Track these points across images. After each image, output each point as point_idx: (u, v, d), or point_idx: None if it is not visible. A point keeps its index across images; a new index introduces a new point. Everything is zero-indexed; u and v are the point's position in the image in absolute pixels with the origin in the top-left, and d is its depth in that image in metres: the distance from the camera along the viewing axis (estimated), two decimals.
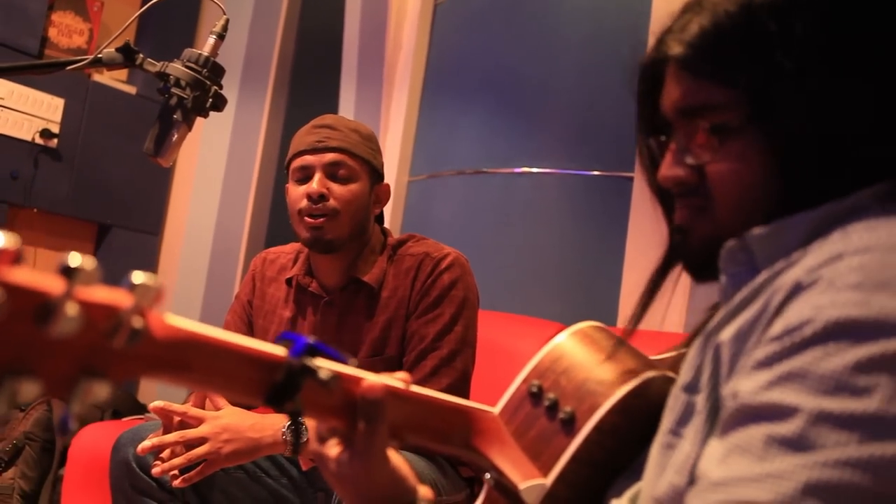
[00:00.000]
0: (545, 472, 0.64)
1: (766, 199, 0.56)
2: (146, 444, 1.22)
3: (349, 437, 0.60)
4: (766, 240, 0.54)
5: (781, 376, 0.45)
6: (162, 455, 1.23)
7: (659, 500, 0.54)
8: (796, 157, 0.54)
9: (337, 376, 0.55)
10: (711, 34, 0.56)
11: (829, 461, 0.42)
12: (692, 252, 0.62)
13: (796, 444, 0.43)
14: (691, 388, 0.56)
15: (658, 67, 0.62)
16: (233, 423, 1.24)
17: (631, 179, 2.06)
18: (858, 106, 0.53)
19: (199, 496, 1.36)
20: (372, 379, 0.59)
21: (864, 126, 0.53)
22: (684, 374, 0.58)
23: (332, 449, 0.61)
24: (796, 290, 0.48)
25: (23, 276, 0.39)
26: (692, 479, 0.51)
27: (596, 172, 2.17)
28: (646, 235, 1.99)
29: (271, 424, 1.25)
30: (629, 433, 0.67)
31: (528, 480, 0.63)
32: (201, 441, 1.21)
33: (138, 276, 0.43)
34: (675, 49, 0.58)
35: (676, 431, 0.56)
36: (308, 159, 1.38)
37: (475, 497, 0.70)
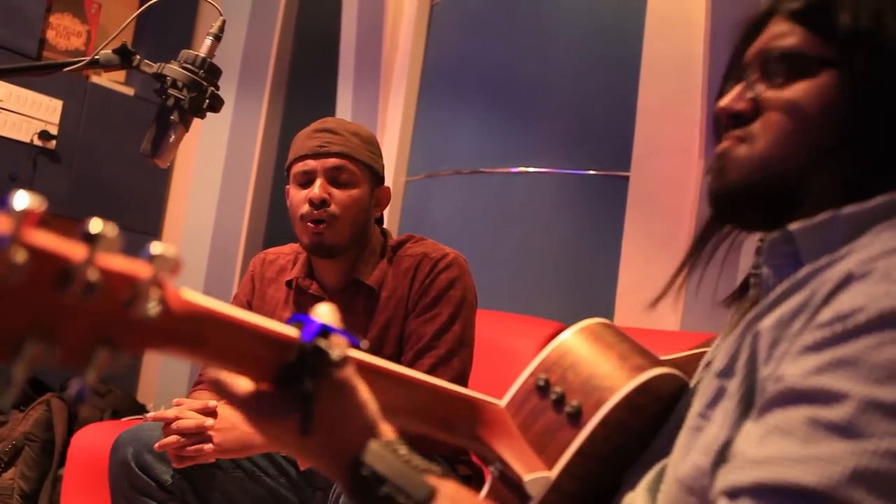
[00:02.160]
0: (550, 464, 0.64)
1: (810, 148, 0.56)
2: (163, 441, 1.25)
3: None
4: (811, 233, 0.54)
5: (831, 362, 0.45)
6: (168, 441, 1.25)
7: (682, 481, 0.54)
8: (856, 119, 0.55)
9: (348, 357, 0.55)
10: None
11: (878, 450, 0.41)
12: (724, 184, 0.61)
13: (844, 430, 0.43)
14: (725, 373, 0.56)
15: (764, 20, 0.63)
16: (229, 414, 1.25)
17: (627, 179, 2.06)
18: None
19: (197, 495, 1.36)
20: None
21: None
22: (718, 361, 0.58)
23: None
24: (847, 280, 0.48)
25: (46, 239, 0.39)
26: (717, 461, 0.51)
27: (592, 172, 2.17)
28: (642, 234, 2.00)
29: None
30: (635, 429, 0.67)
31: (533, 473, 0.63)
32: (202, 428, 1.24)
33: (157, 247, 0.43)
34: (791, 4, 0.61)
35: (705, 414, 0.56)
36: (310, 164, 1.38)
37: (485, 485, 0.70)
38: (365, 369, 0.59)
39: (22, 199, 0.38)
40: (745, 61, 0.63)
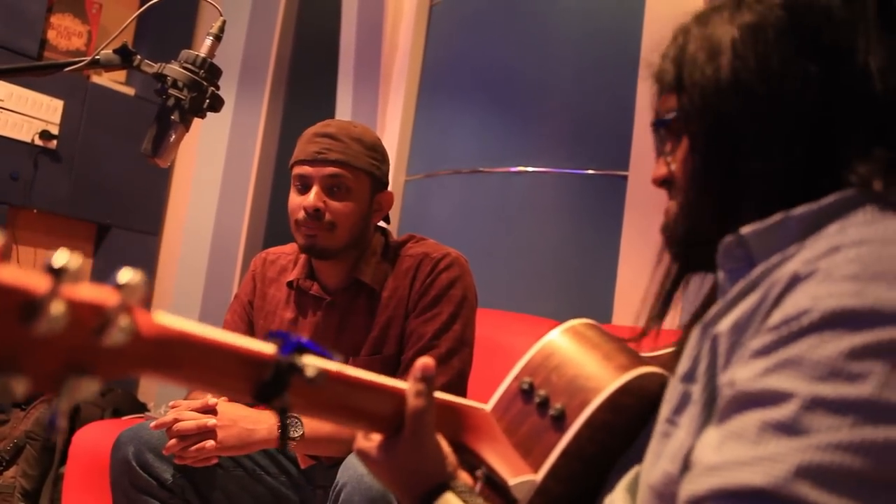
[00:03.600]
0: (536, 468, 0.64)
1: (706, 193, 0.61)
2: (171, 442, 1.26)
3: (394, 425, 0.63)
4: (763, 235, 0.55)
5: (778, 363, 0.46)
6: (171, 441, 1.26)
7: (653, 487, 0.55)
8: (710, 153, 0.60)
9: (324, 373, 0.56)
10: (672, 53, 0.64)
11: (821, 444, 0.42)
12: (671, 247, 0.66)
13: (790, 429, 0.44)
14: (688, 378, 0.57)
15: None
16: (228, 411, 1.26)
17: (625, 178, 2.07)
18: (790, 107, 0.56)
19: (198, 494, 1.36)
20: (423, 360, 0.64)
21: (805, 125, 0.56)
22: (682, 365, 0.59)
23: (376, 439, 0.66)
24: (794, 281, 0.49)
25: (8, 273, 0.39)
26: (685, 467, 0.51)
27: (591, 171, 2.18)
28: (640, 233, 2.00)
29: (266, 419, 1.26)
30: (620, 429, 0.67)
31: (519, 476, 0.63)
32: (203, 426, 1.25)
33: (125, 275, 0.43)
34: (654, 70, 0.67)
35: (672, 420, 0.57)
36: (307, 170, 1.37)
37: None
38: (343, 381, 0.60)
39: None
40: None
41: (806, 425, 0.43)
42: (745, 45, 0.58)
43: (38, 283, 0.40)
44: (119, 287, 0.43)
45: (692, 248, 0.63)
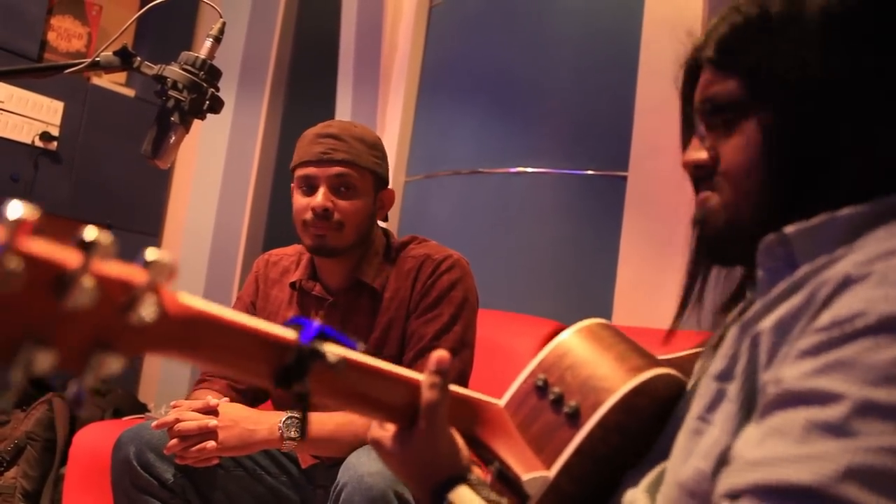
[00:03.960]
0: (548, 464, 0.64)
1: (770, 185, 0.58)
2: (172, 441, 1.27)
3: (409, 416, 0.64)
4: (807, 235, 0.55)
5: (828, 364, 0.45)
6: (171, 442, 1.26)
7: (683, 485, 0.55)
8: (790, 142, 0.56)
9: (344, 360, 0.56)
10: (731, 31, 0.61)
11: (871, 447, 0.42)
12: (708, 241, 0.64)
13: (839, 430, 0.43)
14: (724, 377, 0.56)
15: (695, 71, 0.66)
16: (229, 412, 1.26)
17: (625, 179, 2.07)
18: (865, 100, 0.54)
19: (199, 494, 1.37)
20: (438, 352, 0.64)
21: (878, 120, 0.54)
22: (716, 363, 0.58)
23: (391, 429, 0.66)
24: (846, 283, 0.48)
25: (41, 247, 0.40)
26: (718, 465, 0.51)
27: (590, 172, 2.18)
28: (640, 234, 2.01)
29: (267, 419, 1.26)
30: (633, 430, 0.67)
31: (531, 472, 0.63)
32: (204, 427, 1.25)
33: (152, 253, 0.44)
34: (705, 52, 0.63)
35: (705, 418, 0.56)
36: (313, 171, 1.37)
37: None
38: (363, 370, 0.60)
39: (16, 208, 0.38)
40: (694, 109, 0.66)
41: (856, 428, 0.43)
42: (833, 26, 0.55)
43: (70, 257, 0.40)
44: (147, 265, 0.44)
45: (729, 243, 0.62)
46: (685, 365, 0.72)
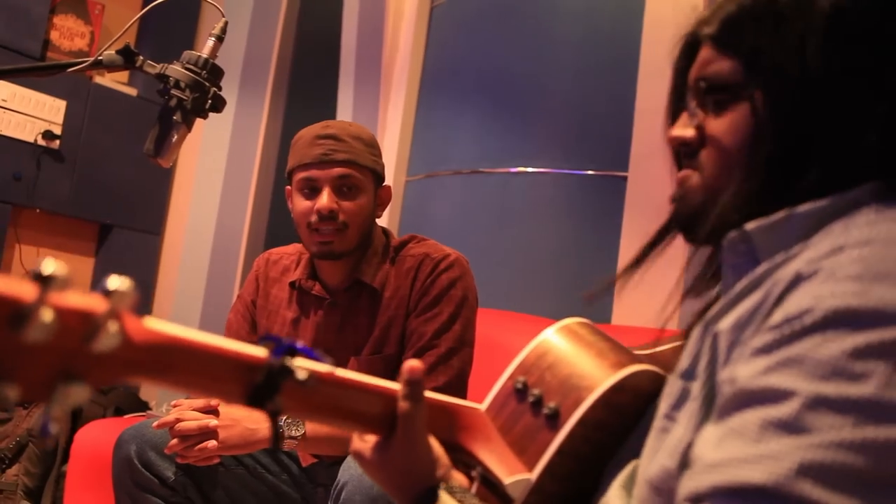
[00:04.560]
0: (531, 466, 0.64)
1: (752, 171, 0.58)
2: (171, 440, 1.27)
3: (387, 426, 0.64)
4: (768, 232, 0.55)
5: (780, 362, 0.46)
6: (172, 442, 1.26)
7: (651, 482, 0.55)
8: (780, 130, 0.56)
9: (314, 376, 0.56)
10: (738, 11, 0.60)
11: (823, 443, 0.42)
12: (682, 218, 0.64)
13: (791, 427, 0.44)
14: (688, 375, 0.56)
15: (694, 47, 0.65)
16: (230, 411, 1.27)
17: (625, 179, 2.07)
18: (856, 98, 0.54)
19: (200, 492, 1.37)
20: (411, 362, 0.64)
21: (862, 119, 0.54)
22: (682, 361, 0.58)
23: (370, 440, 0.66)
24: (797, 280, 0.49)
25: None
26: (683, 463, 0.52)
27: (591, 172, 2.18)
28: (640, 234, 2.00)
29: (267, 418, 1.27)
30: (615, 427, 0.67)
31: (514, 475, 0.64)
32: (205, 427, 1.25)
33: (113, 282, 0.44)
34: (707, 28, 0.62)
35: (671, 416, 0.57)
36: (314, 173, 1.37)
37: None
38: (336, 384, 0.60)
39: None
40: (688, 85, 0.65)
41: (808, 424, 0.43)
42: (839, 21, 0.55)
43: (26, 291, 0.40)
44: (108, 294, 0.43)
45: (700, 223, 0.61)
46: (666, 360, 0.72)
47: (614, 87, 2.14)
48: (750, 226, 0.56)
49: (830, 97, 0.55)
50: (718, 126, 0.60)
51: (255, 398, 0.54)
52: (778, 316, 0.48)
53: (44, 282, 0.40)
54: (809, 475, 0.42)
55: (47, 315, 0.41)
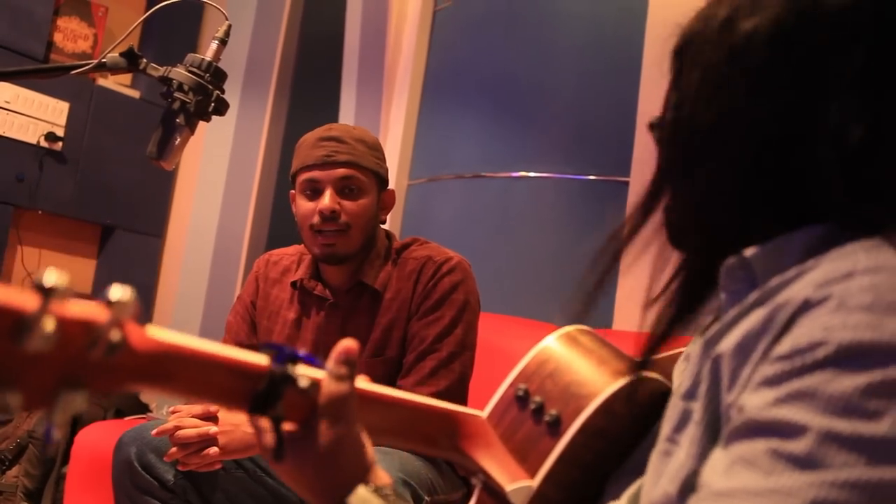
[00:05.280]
0: (532, 473, 0.64)
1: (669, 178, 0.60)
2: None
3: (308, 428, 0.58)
4: (765, 257, 0.55)
5: (790, 394, 0.45)
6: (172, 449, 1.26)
7: None
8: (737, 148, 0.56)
9: (316, 384, 0.56)
10: (694, 25, 0.61)
11: (836, 481, 0.42)
12: (668, 221, 0.65)
13: (804, 462, 0.43)
14: (689, 396, 0.56)
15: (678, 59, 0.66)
16: (229, 417, 1.27)
17: (627, 184, 2.07)
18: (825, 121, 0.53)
19: (200, 495, 1.37)
20: (346, 341, 0.59)
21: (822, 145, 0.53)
22: (684, 382, 0.58)
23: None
24: (805, 307, 0.48)
25: None
26: (684, 488, 0.51)
27: (592, 177, 2.19)
28: (641, 240, 2.01)
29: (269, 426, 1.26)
30: (616, 435, 0.67)
31: (515, 482, 0.63)
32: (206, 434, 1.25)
33: (116, 292, 0.44)
34: (675, 42, 0.64)
35: (673, 439, 0.56)
36: (317, 174, 1.37)
37: (472, 496, 0.70)
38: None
39: None
40: None
41: (819, 460, 0.43)
42: (752, 44, 0.55)
43: (28, 301, 0.41)
44: (110, 304, 0.44)
45: (680, 231, 0.63)
46: (668, 367, 0.72)
47: (617, 92, 2.15)
48: (749, 252, 0.55)
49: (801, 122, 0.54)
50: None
51: (257, 405, 0.54)
52: (786, 345, 0.47)
53: (45, 292, 0.41)
54: None
55: (49, 325, 0.41)
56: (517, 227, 2.30)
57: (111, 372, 0.46)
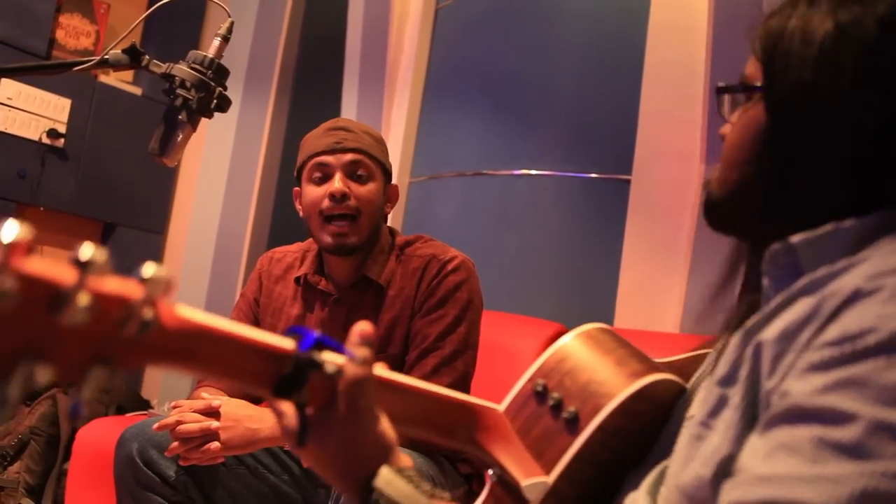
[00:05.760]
0: (548, 470, 0.64)
1: (745, 171, 0.60)
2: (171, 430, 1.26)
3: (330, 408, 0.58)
4: (812, 245, 0.54)
5: (839, 382, 0.45)
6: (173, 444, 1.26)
7: (683, 490, 0.54)
8: (775, 145, 0.57)
9: (341, 370, 0.56)
10: (773, 23, 0.61)
11: (887, 471, 0.41)
12: (705, 205, 0.66)
13: (853, 451, 0.43)
14: (726, 382, 0.55)
15: None
16: (231, 412, 1.27)
17: (628, 182, 2.07)
18: (868, 115, 0.54)
19: (201, 491, 1.37)
20: (361, 324, 0.59)
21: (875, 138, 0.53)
22: (719, 368, 0.57)
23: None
24: (855, 296, 0.47)
25: (37, 266, 0.41)
26: (718, 472, 0.51)
27: (594, 175, 2.19)
28: (642, 237, 2.01)
29: (270, 417, 1.27)
30: (632, 435, 0.67)
31: (531, 478, 0.63)
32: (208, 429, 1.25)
33: (149, 269, 0.44)
34: (754, 32, 0.64)
35: (707, 423, 0.56)
36: (327, 159, 1.39)
37: (472, 494, 0.70)
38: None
39: (10, 230, 0.39)
40: None
41: (870, 450, 0.42)
42: (833, 45, 0.55)
43: (65, 275, 0.41)
44: (144, 281, 0.44)
45: (717, 214, 0.64)
46: (685, 368, 0.72)
47: (618, 91, 2.15)
48: (795, 238, 0.55)
49: (836, 114, 0.55)
50: (735, 124, 0.63)
51: (281, 389, 0.55)
52: (834, 332, 0.47)
53: (82, 267, 0.41)
54: (869, 503, 0.41)
55: (85, 299, 0.41)
56: (518, 225, 2.30)
57: (141, 349, 0.46)
